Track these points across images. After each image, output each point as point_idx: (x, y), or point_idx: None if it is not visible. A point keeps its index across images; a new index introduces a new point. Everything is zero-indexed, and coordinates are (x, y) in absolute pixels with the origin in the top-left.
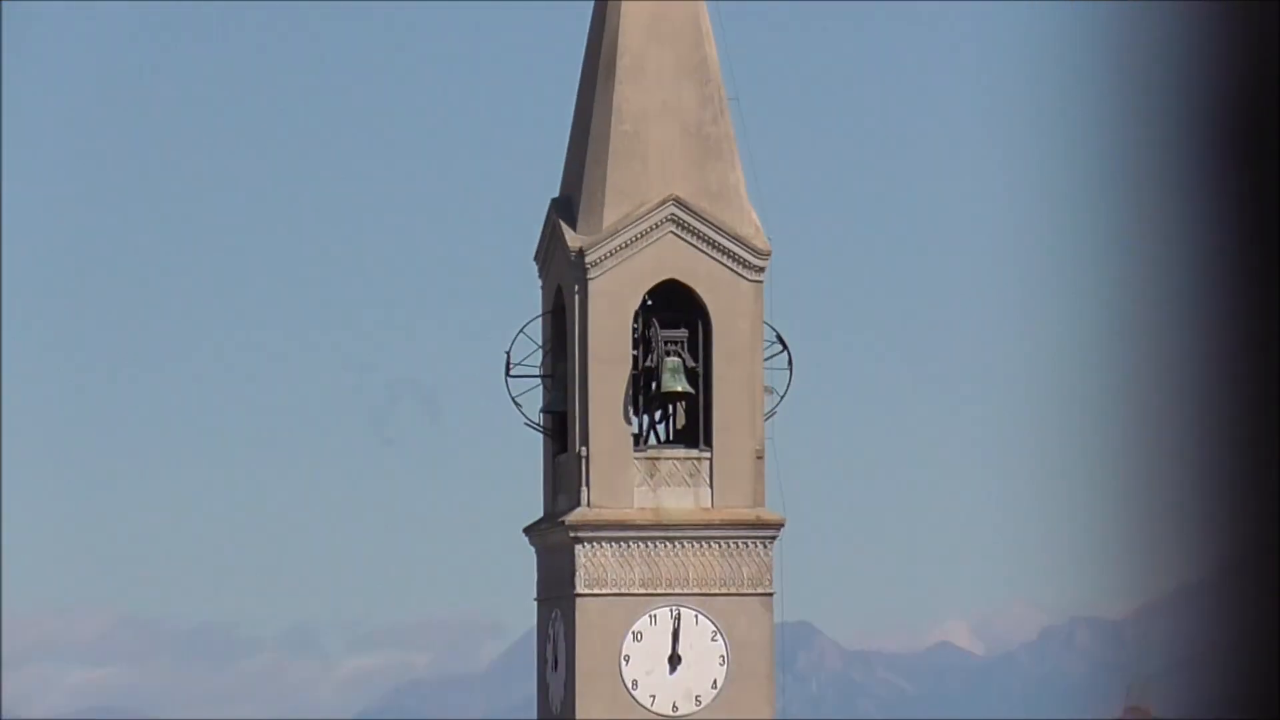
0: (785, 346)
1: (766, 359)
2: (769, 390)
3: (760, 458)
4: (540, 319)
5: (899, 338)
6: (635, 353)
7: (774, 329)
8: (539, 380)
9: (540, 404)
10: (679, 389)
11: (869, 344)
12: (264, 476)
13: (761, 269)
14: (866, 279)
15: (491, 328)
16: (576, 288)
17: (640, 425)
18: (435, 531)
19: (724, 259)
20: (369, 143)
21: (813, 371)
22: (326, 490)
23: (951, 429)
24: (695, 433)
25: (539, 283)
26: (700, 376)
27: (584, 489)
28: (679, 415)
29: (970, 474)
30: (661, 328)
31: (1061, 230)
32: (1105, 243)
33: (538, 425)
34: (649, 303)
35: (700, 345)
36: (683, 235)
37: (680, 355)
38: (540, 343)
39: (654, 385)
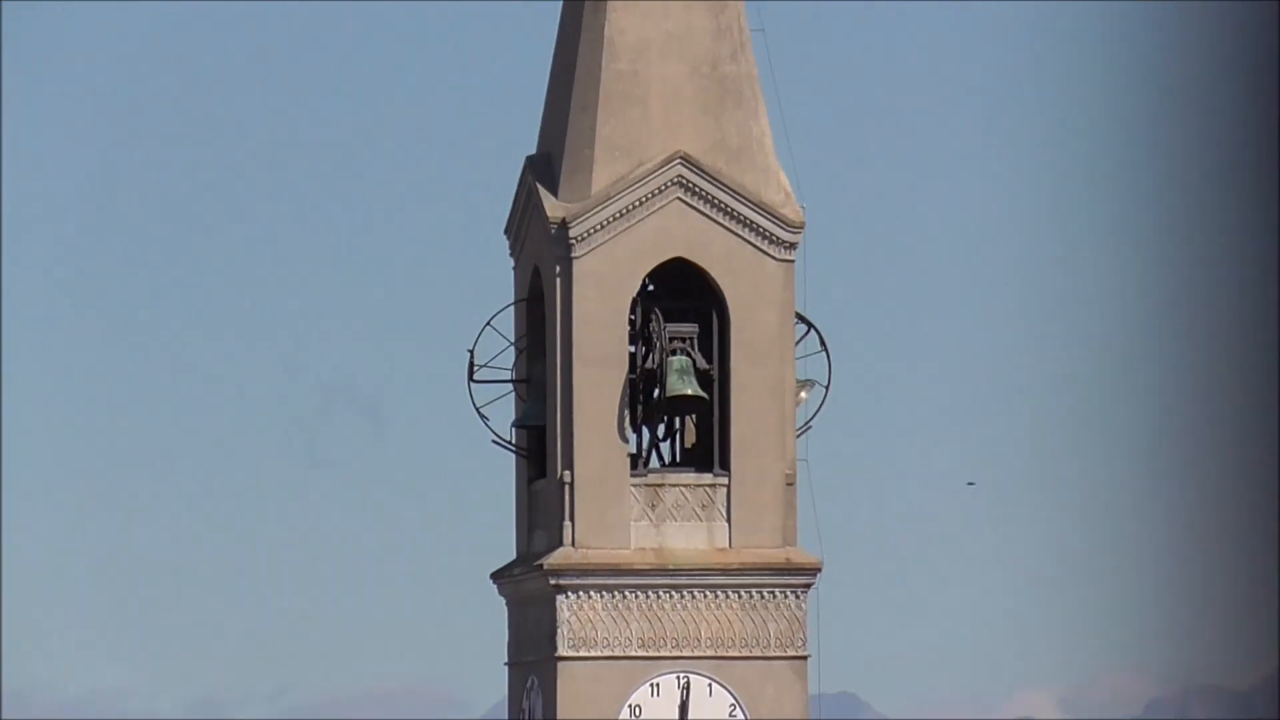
0: (823, 343)
1: (799, 359)
2: (802, 398)
3: (791, 484)
4: (512, 308)
5: (970, 337)
6: (633, 351)
7: (808, 321)
8: (510, 386)
9: (512, 416)
10: (688, 392)
11: (931, 341)
12: (155, 510)
13: (792, 245)
14: (928, 259)
15: (449, 319)
16: (558, 269)
17: (639, 443)
18: (377, 579)
19: (745, 232)
20: (282, 75)
21: (857, 375)
22: (237, 526)
23: (1033, 453)
24: (708, 453)
25: (510, 262)
26: (715, 381)
27: (568, 524)
28: (688, 431)
29: (1059, 511)
30: (665, 320)
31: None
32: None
33: (509, 443)
34: (650, 288)
35: (715, 342)
36: (692, 202)
37: (689, 354)
38: (512, 339)
39: (656, 392)
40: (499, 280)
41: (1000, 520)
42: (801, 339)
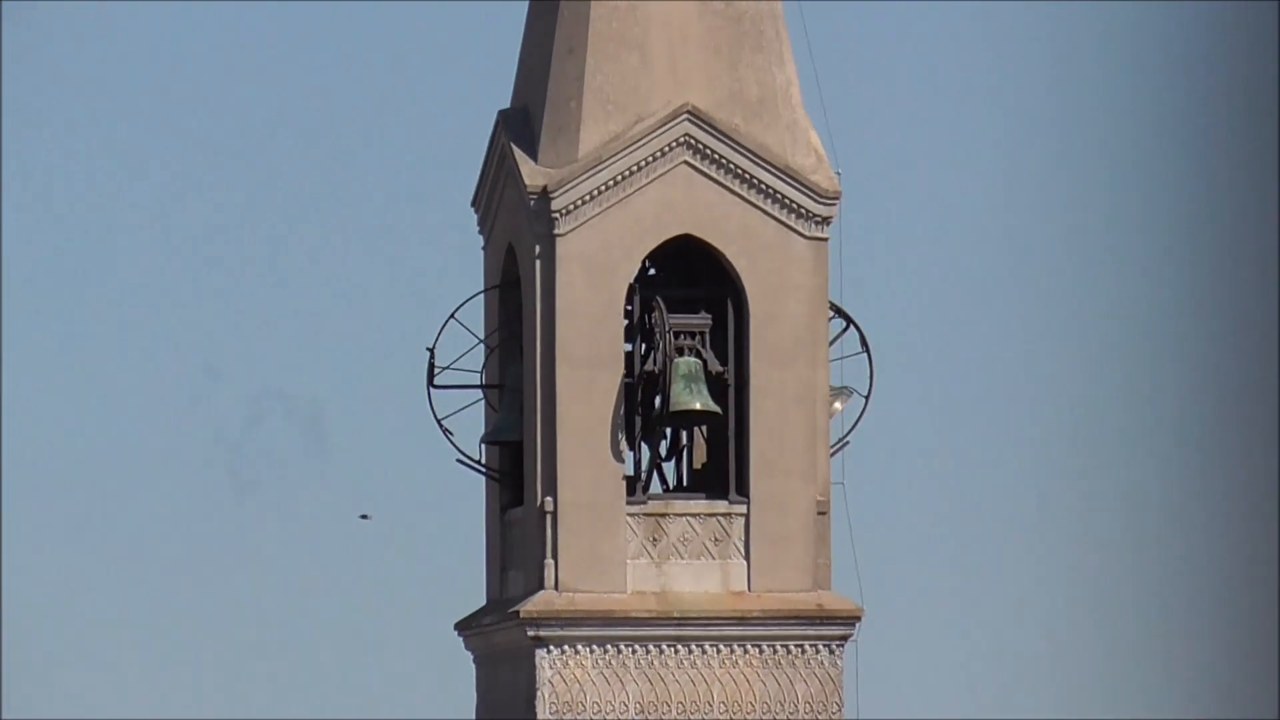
0: (863, 341)
1: (833, 361)
2: (836, 409)
3: (824, 512)
4: (481, 298)
5: (1046, 334)
6: (629, 350)
7: (845, 314)
8: (479, 393)
9: (481, 430)
10: (697, 407)
11: (997, 340)
12: (45, 540)
13: (825, 220)
14: (995, 238)
15: (405, 311)
16: (538, 249)
17: (637, 463)
18: (316, 627)
19: (767, 205)
20: (199, 17)
21: (905, 379)
22: (147, 562)
23: (1123, 475)
24: (722, 475)
25: (479, 241)
26: (730, 387)
27: (549, 562)
28: (697, 448)
29: (1148, 545)
30: (670, 312)
31: None
32: None
33: (477, 463)
34: (651, 272)
35: (730, 339)
36: (702, 167)
37: (699, 355)
38: (481, 335)
39: (658, 402)
40: (465, 264)
41: (1079, 559)
42: (837, 337)
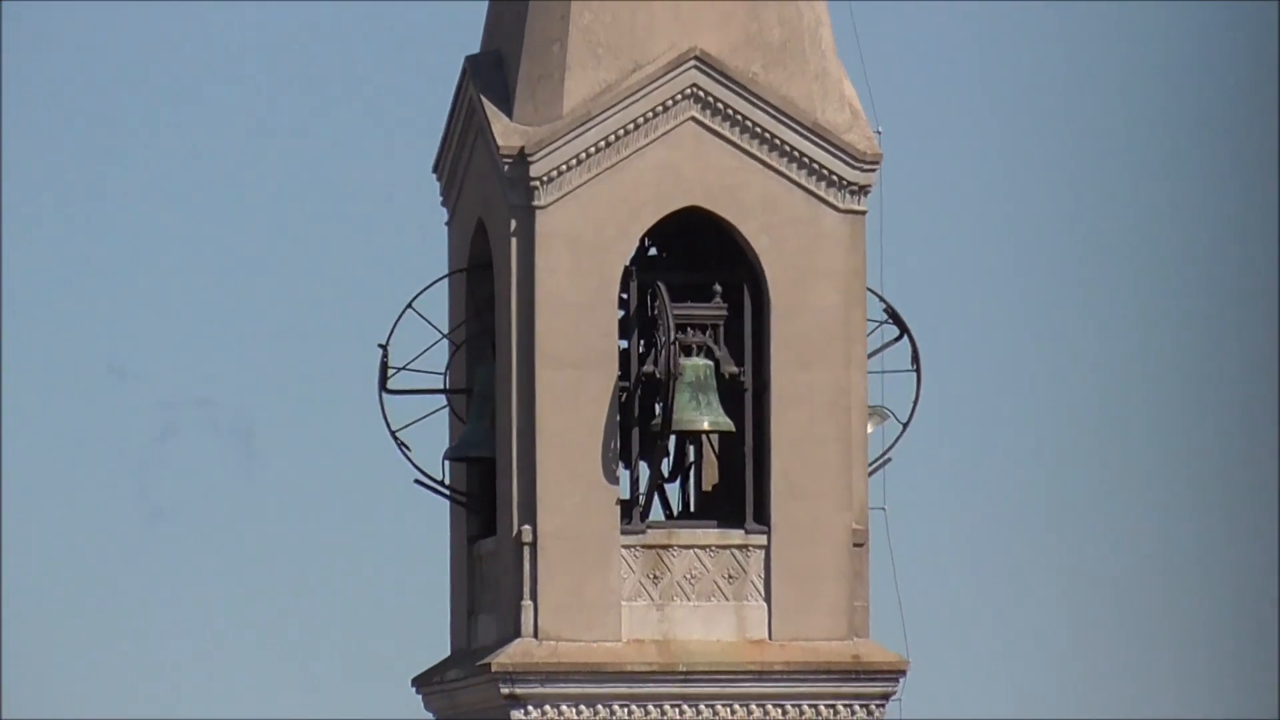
0: (909, 337)
1: (871, 355)
2: (878, 417)
3: (861, 544)
4: (445, 284)
5: (1127, 323)
6: (624, 347)
7: (884, 303)
8: (441, 400)
9: (445, 444)
10: (705, 426)
11: (1067, 332)
12: None
13: (863, 189)
14: (1069, 211)
15: (352, 301)
16: (514, 225)
17: (634, 484)
18: (241, 681)
19: (792, 170)
20: None
21: (957, 382)
22: (44, 592)
23: (1208, 499)
24: (738, 498)
25: (442, 215)
26: (748, 391)
27: (527, 604)
28: (707, 465)
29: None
30: (674, 300)
31: None
32: None
33: (439, 484)
34: (652, 253)
35: (748, 333)
36: (714, 125)
37: (711, 352)
38: (445, 330)
39: (661, 412)
40: (425, 243)
41: (1165, 599)
42: (876, 330)
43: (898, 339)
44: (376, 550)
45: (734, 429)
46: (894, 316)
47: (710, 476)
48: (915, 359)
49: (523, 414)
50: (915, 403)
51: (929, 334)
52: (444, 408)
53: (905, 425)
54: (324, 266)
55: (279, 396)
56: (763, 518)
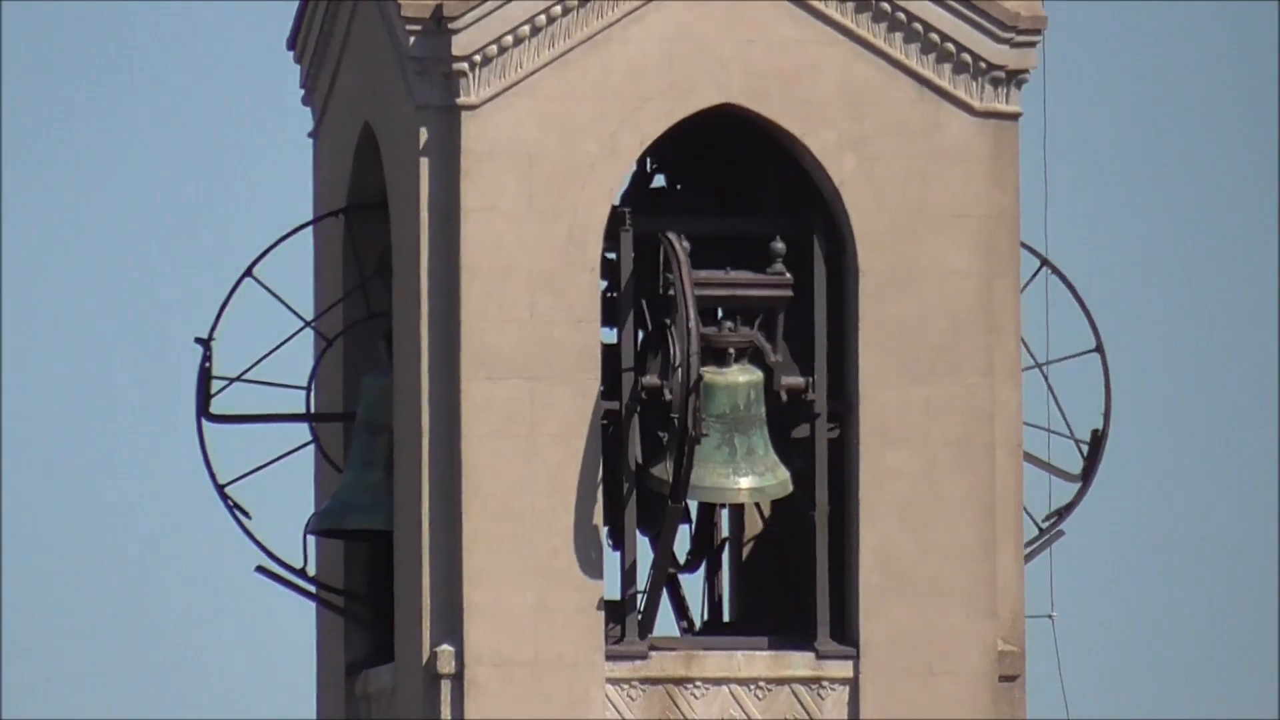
0: (1092, 326)
1: (1044, 365)
2: (1048, 471)
3: (1014, 676)
4: (309, 236)
5: None
6: (613, 341)
7: (1053, 269)
8: (304, 432)
9: (309, 506)
10: (742, 494)
11: None
12: None
13: (1016, 76)
14: None
15: (150, 267)
16: (424, 136)
17: (627, 575)
18: None
19: (897, 45)
20: None
21: (1168, 400)
22: None
23: None
24: (803, 601)
25: (303, 121)
26: (820, 418)
27: None
28: (752, 543)
29: None
30: (698, 264)
31: None
32: None
33: (299, 573)
34: (659, 183)
35: (819, 324)
36: None
37: (760, 355)
38: (309, 316)
39: (672, 462)
40: (274, 167)
41: None
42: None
43: (1095, 349)
44: (199, 681)
45: (790, 491)
46: (1071, 291)
47: (756, 562)
48: (1104, 366)
49: (439, 458)
50: (1102, 439)
51: (1115, 312)
52: (307, 445)
53: (1085, 476)
54: (111, 211)
55: (39, 419)
56: (846, 632)
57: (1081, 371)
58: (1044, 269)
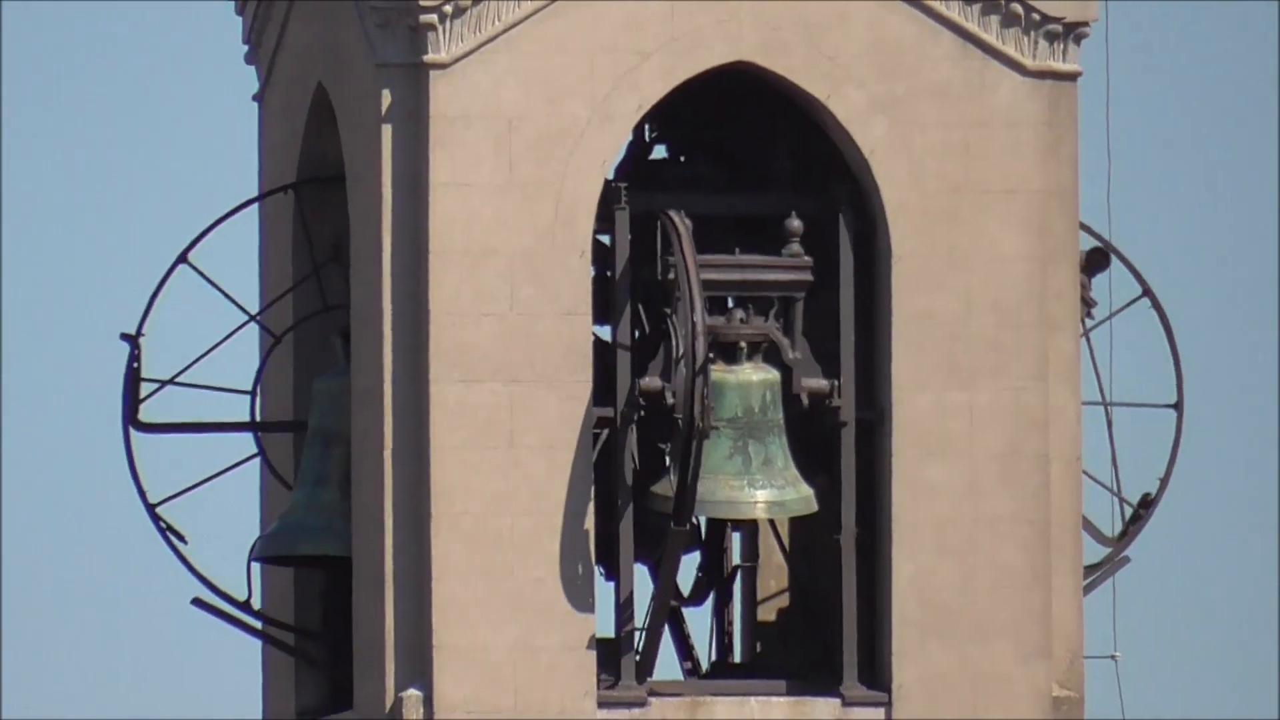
0: (1161, 317)
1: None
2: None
3: None
4: (254, 218)
5: None
6: (605, 339)
7: (1115, 253)
8: (249, 443)
9: (254, 530)
10: (758, 510)
11: None
12: None
13: (1074, 30)
14: None
15: (73, 252)
16: (386, 99)
17: (622, 610)
18: None
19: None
20: None
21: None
22: None
23: None
24: (827, 640)
25: (247, 81)
26: (848, 426)
27: None
28: (767, 572)
29: None
30: (705, 248)
31: None
32: None
33: (242, 606)
34: (659, 155)
35: (847, 317)
36: None
37: (777, 352)
38: (255, 310)
39: (676, 474)
40: (214, 142)
41: None
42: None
43: (1174, 405)
44: None
45: (815, 509)
46: (1136, 276)
47: (773, 594)
48: (1178, 425)
49: (404, 473)
50: (1152, 505)
51: (1195, 312)
52: (251, 458)
53: (1156, 495)
54: (25, 187)
55: None
56: (876, 676)
57: (1153, 421)
58: (1144, 299)
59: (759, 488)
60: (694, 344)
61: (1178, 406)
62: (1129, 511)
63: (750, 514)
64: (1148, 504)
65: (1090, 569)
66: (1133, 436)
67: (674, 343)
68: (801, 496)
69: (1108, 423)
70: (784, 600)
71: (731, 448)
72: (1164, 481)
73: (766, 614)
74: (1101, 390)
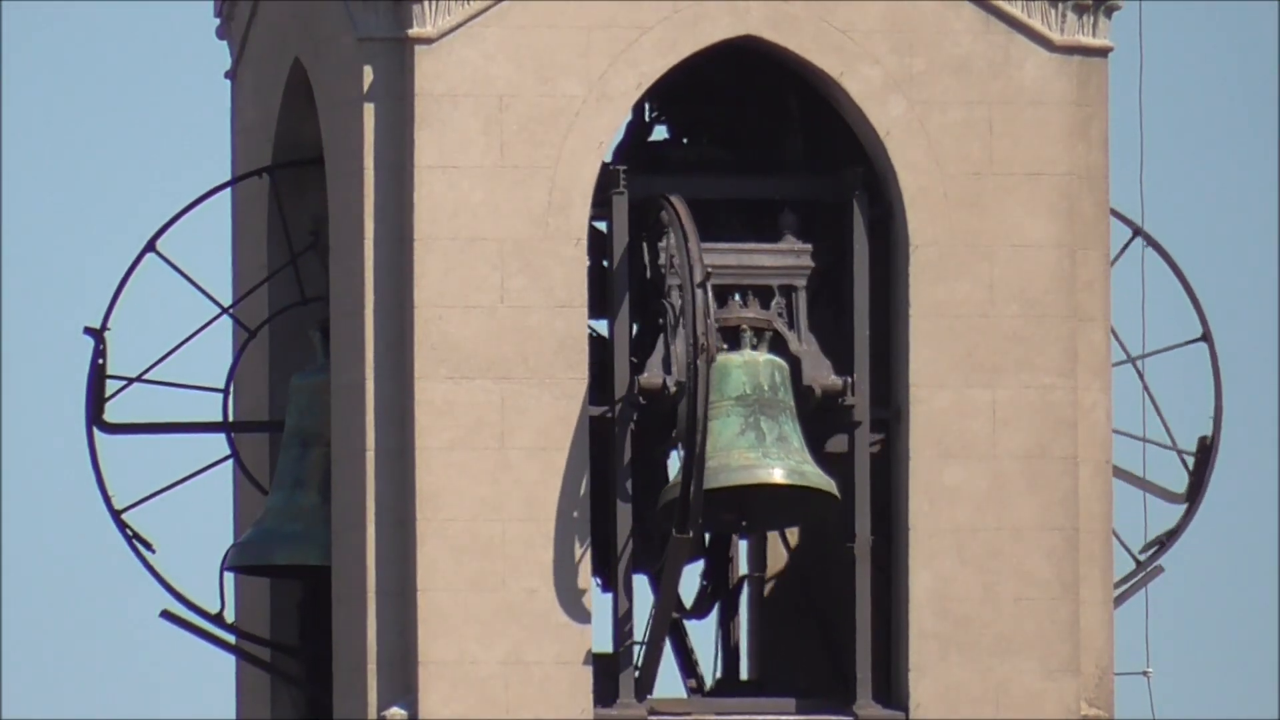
0: (1198, 312)
1: (1146, 357)
2: (1145, 490)
3: None
4: (227, 197)
5: None
6: (601, 335)
7: (1149, 240)
8: (221, 444)
9: (228, 537)
10: (777, 476)
11: None
12: None
13: (1106, 5)
14: None
15: (35, 243)
16: (368, 77)
17: (620, 624)
18: None
19: None
20: None
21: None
22: None
23: None
24: (840, 653)
25: (219, 60)
26: (861, 426)
27: None
28: (775, 580)
29: None
30: (708, 236)
31: None
32: None
33: (212, 620)
34: (659, 135)
35: (860, 309)
36: None
37: (783, 343)
38: (227, 302)
39: (680, 463)
40: (184, 122)
41: None
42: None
43: (1202, 338)
44: None
45: (836, 495)
46: (1173, 268)
47: (781, 606)
48: (1213, 359)
49: (387, 476)
50: (1212, 448)
51: (1236, 304)
52: (224, 460)
53: (1192, 496)
54: None
55: None
56: (893, 693)
57: (1185, 366)
58: (1138, 240)
59: (775, 461)
60: (697, 354)
61: (1206, 338)
62: (1191, 463)
63: (769, 478)
64: (1207, 447)
65: (1122, 580)
66: (1174, 385)
67: (673, 317)
68: (818, 475)
69: (1141, 381)
70: (793, 612)
71: (743, 424)
72: (1217, 417)
73: (775, 627)
74: (1125, 349)
